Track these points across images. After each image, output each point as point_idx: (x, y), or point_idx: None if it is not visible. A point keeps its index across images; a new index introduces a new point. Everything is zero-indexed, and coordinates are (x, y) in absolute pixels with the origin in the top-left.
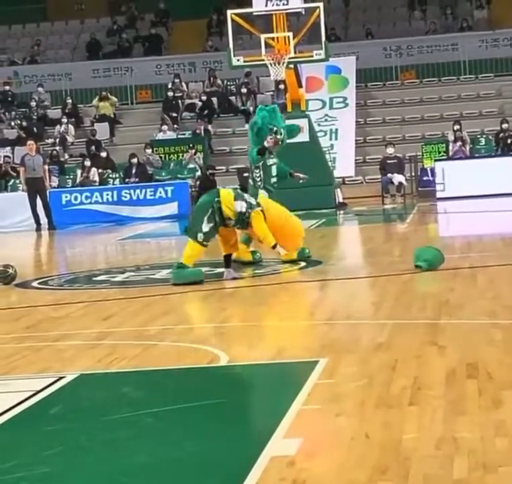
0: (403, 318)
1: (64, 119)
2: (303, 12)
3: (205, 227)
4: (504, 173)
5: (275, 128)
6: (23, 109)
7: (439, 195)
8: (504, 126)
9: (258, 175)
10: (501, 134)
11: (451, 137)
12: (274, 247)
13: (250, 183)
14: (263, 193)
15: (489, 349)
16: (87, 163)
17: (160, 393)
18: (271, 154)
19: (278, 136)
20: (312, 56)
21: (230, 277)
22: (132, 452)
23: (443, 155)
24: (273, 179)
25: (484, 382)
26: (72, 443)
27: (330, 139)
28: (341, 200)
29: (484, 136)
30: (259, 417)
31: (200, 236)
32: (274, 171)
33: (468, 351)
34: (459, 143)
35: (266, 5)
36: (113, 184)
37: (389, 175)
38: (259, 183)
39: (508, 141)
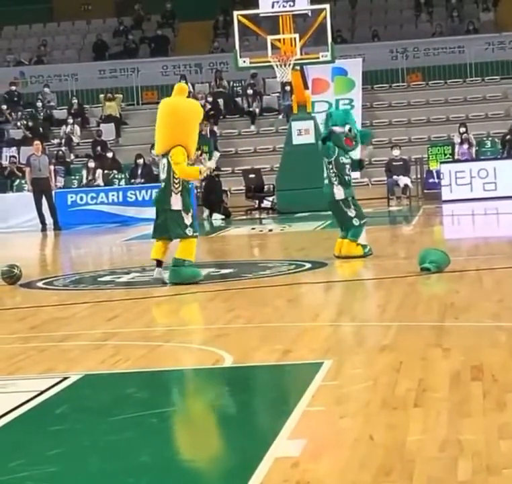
0: (408, 320)
1: (70, 120)
2: (309, 13)
3: (187, 220)
4: (510, 175)
5: (349, 127)
6: (29, 110)
7: (444, 197)
8: None
9: (333, 171)
10: (508, 136)
11: (457, 139)
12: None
13: (328, 179)
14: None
15: (494, 352)
16: (91, 164)
17: (164, 394)
18: (345, 153)
19: (350, 134)
20: (318, 58)
21: (158, 275)
22: (136, 452)
23: (448, 157)
24: (347, 177)
25: (489, 384)
26: (76, 443)
27: None
28: None
29: (490, 138)
30: (264, 418)
31: (189, 230)
32: (347, 169)
33: (473, 354)
34: (465, 145)
35: (272, 7)
36: (119, 185)
37: (395, 177)
38: (335, 180)
39: None
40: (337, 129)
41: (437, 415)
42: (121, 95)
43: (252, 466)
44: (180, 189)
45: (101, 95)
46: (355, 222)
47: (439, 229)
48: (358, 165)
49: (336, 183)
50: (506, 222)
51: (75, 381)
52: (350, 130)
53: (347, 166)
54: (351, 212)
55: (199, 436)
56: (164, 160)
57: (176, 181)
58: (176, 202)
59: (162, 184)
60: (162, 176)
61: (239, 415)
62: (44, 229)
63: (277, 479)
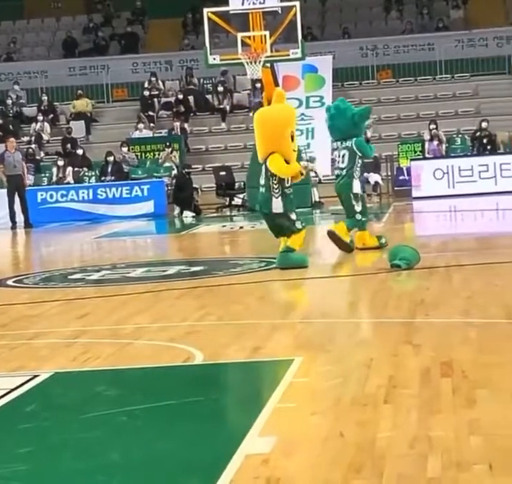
0: (378, 317)
1: (40, 117)
2: (279, 11)
3: (292, 215)
4: (479, 172)
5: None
6: None
7: (414, 194)
8: (484, 124)
9: (358, 167)
10: (478, 133)
11: (427, 136)
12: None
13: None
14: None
15: (463, 348)
16: (61, 162)
17: (134, 392)
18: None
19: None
20: (288, 55)
21: None
22: (106, 450)
23: (419, 155)
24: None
25: (459, 380)
26: (46, 441)
27: (307, 138)
28: (317, 199)
29: (460, 135)
30: (234, 416)
31: (298, 224)
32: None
33: (443, 350)
34: (435, 142)
35: (242, 4)
36: (89, 182)
37: (365, 174)
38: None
39: (484, 141)
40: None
41: (407, 412)
42: (89, 101)
43: (223, 463)
44: (279, 193)
45: (75, 101)
46: (358, 217)
47: (409, 226)
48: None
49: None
50: (476, 219)
51: (45, 379)
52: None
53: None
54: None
55: (170, 434)
56: (264, 166)
57: (275, 186)
58: (277, 206)
59: (263, 189)
60: (262, 181)
61: (210, 412)
62: (13, 227)
63: (248, 476)
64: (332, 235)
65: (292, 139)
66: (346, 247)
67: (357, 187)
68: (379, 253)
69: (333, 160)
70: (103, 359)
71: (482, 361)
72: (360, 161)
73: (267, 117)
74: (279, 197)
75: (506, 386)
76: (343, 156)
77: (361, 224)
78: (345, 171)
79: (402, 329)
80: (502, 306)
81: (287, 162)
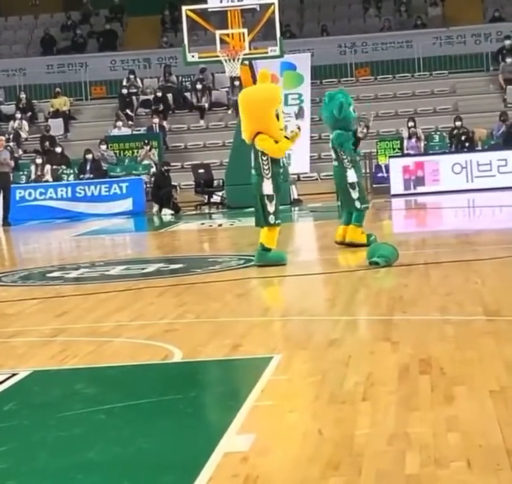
0: (357, 314)
1: (18, 115)
2: (258, 8)
3: (270, 207)
4: (458, 169)
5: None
6: None
7: (393, 191)
8: (458, 123)
9: (350, 166)
10: (455, 131)
11: (405, 134)
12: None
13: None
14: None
15: (441, 345)
16: (39, 160)
17: (113, 390)
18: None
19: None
20: (266, 53)
21: None
22: (84, 448)
23: (397, 152)
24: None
25: (437, 377)
26: (25, 439)
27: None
28: (296, 197)
29: (438, 132)
30: (213, 413)
31: (271, 218)
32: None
33: (421, 347)
34: (413, 140)
35: (221, 1)
36: (68, 180)
37: None
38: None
39: (462, 138)
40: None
41: (385, 409)
42: (66, 99)
43: (201, 461)
44: (269, 174)
45: (53, 99)
46: (357, 204)
47: (388, 223)
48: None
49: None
50: (454, 216)
51: (24, 377)
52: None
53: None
54: (355, 195)
55: (148, 431)
56: (253, 148)
57: (265, 167)
58: (267, 188)
59: (253, 171)
60: (253, 164)
61: (188, 410)
62: None
63: (227, 474)
64: (346, 245)
65: (278, 118)
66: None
67: (352, 176)
68: (360, 251)
69: (311, 157)
70: (82, 357)
71: (460, 358)
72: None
73: (251, 98)
74: (270, 179)
75: (484, 383)
76: (331, 148)
77: (358, 215)
78: (335, 162)
79: (380, 326)
80: (480, 303)
81: (275, 142)
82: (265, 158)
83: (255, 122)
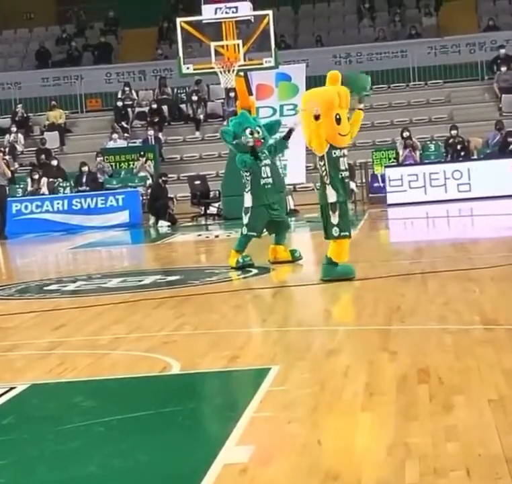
0: (354, 324)
1: (14, 128)
2: (252, 20)
3: (334, 219)
4: (454, 178)
5: (249, 129)
6: None
7: (389, 201)
8: (453, 132)
9: (248, 178)
10: (451, 140)
11: (400, 143)
12: None
13: (245, 186)
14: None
15: (440, 355)
16: (36, 175)
17: (112, 402)
18: (262, 154)
19: (256, 135)
20: (262, 64)
21: None
22: (84, 461)
23: (393, 161)
24: (268, 180)
25: (435, 387)
26: (23, 453)
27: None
28: (292, 207)
29: (434, 142)
30: (212, 425)
31: (335, 230)
32: (268, 171)
33: (419, 357)
34: (408, 149)
35: (215, 13)
36: (64, 193)
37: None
38: (248, 188)
39: (458, 147)
40: (249, 143)
41: (384, 419)
42: (62, 111)
43: (201, 472)
44: (329, 180)
45: (49, 112)
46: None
47: (385, 233)
48: (287, 137)
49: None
50: (451, 225)
51: (22, 391)
52: (251, 132)
53: (267, 168)
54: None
55: (147, 444)
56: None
57: (324, 173)
58: (331, 195)
59: (318, 181)
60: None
61: (187, 422)
62: None
63: None
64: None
65: (338, 123)
66: (293, 261)
67: (247, 201)
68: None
69: (307, 168)
70: (80, 370)
71: (458, 368)
72: (247, 174)
73: (307, 102)
74: (330, 185)
75: (482, 392)
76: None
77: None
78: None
79: (378, 336)
80: (478, 312)
81: (333, 146)
82: (322, 163)
83: (313, 125)
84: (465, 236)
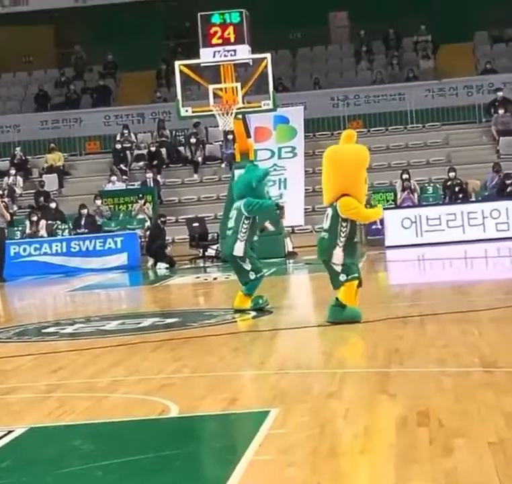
0: (353, 367)
1: (13, 171)
2: (250, 63)
3: (338, 267)
4: (452, 221)
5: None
6: None
7: (387, 243)
8: (451, 174)
9: (245, 226)
10: (449, 183)
11: (399, 186)
12: None
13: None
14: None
15: (439, 397)
16: (34, 218)
17: (111, 446)
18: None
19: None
20: (260, 106)
21: None
22: None
23: (391, 204)
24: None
25: (435, 429)
26: None
27: (279, 188)
28: (291, 249)
29: (432, 184)
30: (211, 469)
31: (342, 277)
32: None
33: (419, 399)
34: (407, 191)
35: (214, 56)
36: (62, 235)
37: None
38: (243, 237)
39: (456, 189)
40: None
41: (384, 462)
42: (61, 154)
43: None
44: (344, 243)
45: (47, 155)
46: (251, 275)
47: (383, 275)
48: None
49: (241, 238)
50: (449, 267)
51: (20, 434)
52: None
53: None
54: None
55: None
56: (329, 211)
57: (342, 235)
58: (338, 257)
59: (326, 235)
60: (326, 226)
61: (186, 466)
62: None
63: None
64: (237, 311)
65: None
66: (255, 309)
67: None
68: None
69: (305, 210)
70: (79, 413)
71: (458, 410)
72: (246, 222)
73: (343, 156)
74: (342, 248)
75: (482, 435)
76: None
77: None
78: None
79: (377, 378)
80: (477, 355)
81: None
82: (345, 224)
83: (343, 183)
84: (463, 278)
